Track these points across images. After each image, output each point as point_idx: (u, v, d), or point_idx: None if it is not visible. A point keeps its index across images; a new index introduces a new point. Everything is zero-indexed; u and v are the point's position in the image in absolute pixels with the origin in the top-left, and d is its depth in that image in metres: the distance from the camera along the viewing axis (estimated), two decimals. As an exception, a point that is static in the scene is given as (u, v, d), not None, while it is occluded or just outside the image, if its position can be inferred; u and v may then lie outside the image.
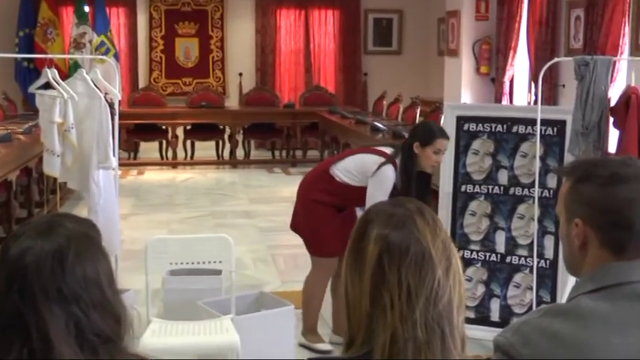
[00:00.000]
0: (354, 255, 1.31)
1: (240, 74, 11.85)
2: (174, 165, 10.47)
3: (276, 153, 10.92)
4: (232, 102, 11.67)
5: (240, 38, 11.91)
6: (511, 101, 8.93)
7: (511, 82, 9.00)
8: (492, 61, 9.32)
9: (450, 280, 1.27)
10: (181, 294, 4.23)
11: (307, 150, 10.96)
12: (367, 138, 7.81)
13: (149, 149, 10.78)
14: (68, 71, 9.44)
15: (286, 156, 10.83)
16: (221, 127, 10.68)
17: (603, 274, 1.47)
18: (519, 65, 8.88)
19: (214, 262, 3.81)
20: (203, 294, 4.10)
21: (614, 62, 6.08)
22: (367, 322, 1.27)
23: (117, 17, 11.52)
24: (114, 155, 4.33)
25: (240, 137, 10.70)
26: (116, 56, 10.23)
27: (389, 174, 3.85)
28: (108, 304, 1.27)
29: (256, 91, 11.35)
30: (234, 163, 10.66)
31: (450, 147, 4.45)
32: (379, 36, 12.32)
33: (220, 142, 10.65)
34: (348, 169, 3.99)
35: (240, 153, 10.71)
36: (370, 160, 3.93)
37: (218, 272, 4.26)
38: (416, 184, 3.88)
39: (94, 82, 4.41)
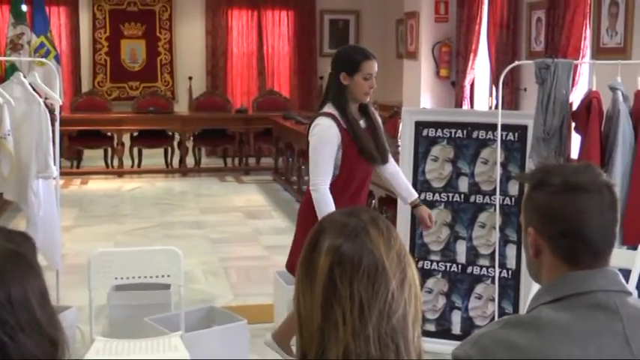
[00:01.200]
0: (305, 266, 1.31)
1: (190, 78, 11.78)
2: (120, 174, 10.36)
3: (228, 160, 10.89)
4: (182, 107, 11.60)
5: (189, 40, 11.85)
6: (472, 105, 9.04)
7: (472, 85, 9.11)
8: (452, 64, 9.42)
9: (404, 293, 1.27)
10: (127, 310, 4.18)
11: (261, 157, 10.95)
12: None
13: (93, 157, 10.66)
14: (4, 74, 9.29)
15: (239, 164, 10.80)
16: (170, 133, 10.61)
17: (562, 284, 1.50)
18: (480, 68, 9.00)
19: (162, 276, 3.78)
20: (150, 310, 4.06)
21: (576, 65, 6.21)
22: (319, 337, 1.26)
23: (57, 17, 11.37)
24: (54, 164, 4.27)
25: (190, 144, 10.64)
26: (57, 58, 10.09)
27: (321, 122, 3.58)
28: (38, 325, 1.23)
29: (207, 95, 11.30)
30: (183, 171, 10.59)
31: (408, 153, 4.49)
32: (335, 38, 12.37)
33: (169, 150, 10.58)
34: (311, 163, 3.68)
35: (190, 161, 10.65)
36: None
37: (166, 287, 4.23)
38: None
39: (32, 86, 4.35)
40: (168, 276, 3.77)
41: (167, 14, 11.77)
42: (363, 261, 1.26)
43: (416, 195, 3.96)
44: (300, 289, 1.31)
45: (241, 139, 10.71)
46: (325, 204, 3.50)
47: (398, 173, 3.95)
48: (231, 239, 7.10)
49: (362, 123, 3.69)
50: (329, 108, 3.64)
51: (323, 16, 12.28)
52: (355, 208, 1.37)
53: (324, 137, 3.56)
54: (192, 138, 10.64)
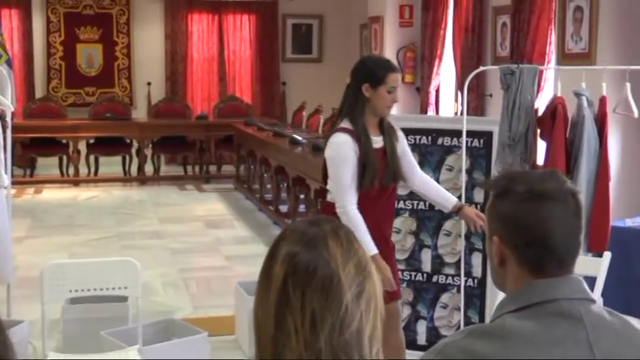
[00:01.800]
0: (264, 273, 1.31)
1: (149, 83, 11.71)
2: (75, 182, 10.25)
3: (188, 168, 10.84)
4: (140, 113, 11.52)
5: (148, 44, 11.78)
6: (437, 112, 9.10)
7: (437, 91, 9.18)
8: (417, 69, 9.49)
9: (360, 306, 1.26)
10: (83, 324, 4.13)
11: (222, 165, 10.91)
12: (286, 151, 7.83)
13: (48, 165, 10.53)
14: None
15: (199, 172, 10.75)
16: (128, 140, 10.53)
17: (527, 293, 1.51)
18: (445, 74, 9.07)
19: (119, 288, 3.74)
20: (107, 323, 4.02)
21: (541, 71, 6.28)
22: (273, 347, 1.26)
23: (9, 20, 11.23)
24: (6, 172, 4.21)
25: (148, 152, 10.57)
26: (9, 63, 9.94)
27: (336, 139, 3.39)
28: None
29: (166, 101, 11.24)
30: (142, 179, 10.52)
31: (372, 160, 4.50)
32: (298, 43, 12.39)
33: (127, 157, 10.50)
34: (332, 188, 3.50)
35: (148, 169, 10.58)
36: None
37: (124, 299, 4.19)
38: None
39: (-18, 92, 4.28)
40: (126, 288, 3.74)
41: (125, 18, 11.68)
42: (318, 272, 1.26)
43: (454, 199, 3.68)
44: (257, 298, 1.31)
45: (202, 146, 10.67)
46: (356, 226, 3.27)
47: (427, 183, 3.71)
48: (192, 249, 7.06)
49: (379, 140, 3.48)
50: (345, 123, 3.44)
51: (285, 20, 12.29)
52: (319, 218, 1.37)
53: (341, 154, 3.37)
54: (150, 145, 10.58)
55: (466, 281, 4.38)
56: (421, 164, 4.47)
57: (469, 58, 8.08)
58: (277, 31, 12.27)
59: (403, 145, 3.61)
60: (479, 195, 4.38)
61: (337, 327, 1.24)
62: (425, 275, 4.48)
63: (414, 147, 4.48)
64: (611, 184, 4.05)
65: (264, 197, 8.84)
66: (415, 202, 4.49)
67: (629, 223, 4.43)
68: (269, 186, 8.77)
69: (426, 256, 4.48)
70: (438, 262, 4.46)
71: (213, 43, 12.04)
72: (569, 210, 1.52)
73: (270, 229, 7.78)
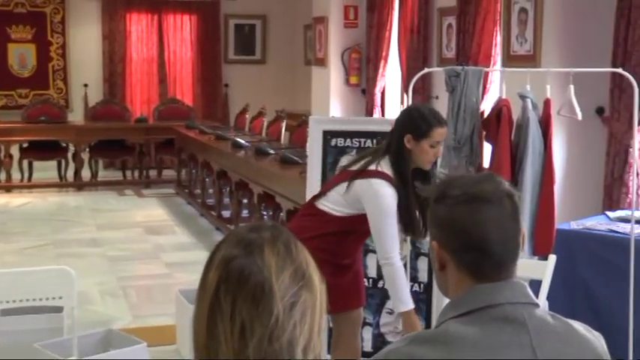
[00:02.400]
0: (202, 278, 1.31)
1: (86, 85, 11.56)
2: (8, 188, 10.05)
3: (128, 173, 10.71)
4: (76, 116, 11.36)
5: (84, 45, 11.62)
6: (383, 114, 9.16)
7: (382, 93, 9.23)
8: (362, 71, 9.54)
9: (294, 317, 1.26)
10: (15, 336, 4.05)
11: (162, 169, 10.82)
12: (228, 155, 7.80)
13: (-22, 171, 10.31)
14: None
15: (139, 176, 10.64)
16: (64, 144, 10.37)
17: (470, 298, 1.53)
18: (391, 75, 9.13)
19: (54, 298, 3.67)
20: (41, 335, 3.95)
21: (486, 73, 6.37)
22: (205, 354, 1.27)
23: (-62, 19, 10.97)
24: None
25: (85, 156, 10.42)
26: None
27: (386, 189, 3.36)
28: None
29: (104, 104, 11.10)
30: (79, 185, 10.36)
31: (316, 164, 4.51)
32: (241, 44, 12.36)
33: (63, 162, 10.33)
34: (335, 199, 3.51)
35: (85, 174, 10.42)
36: (357, 183, 3.45)
37: (59, 309, 4.12)
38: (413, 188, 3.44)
39: None
40: (61, 298, 3.67)
41: (59, 17, 11.50)
42: (250, 280, 1.25)
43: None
44: (195, 304, 1.31)
45: (141, 150, 10.56)
46: (400, 279, 3.38)
47: None
48: (131, 257, 6.99)
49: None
50: (387, 167, 3.41)
51: (228, 20, 12.25)
52: (261, 224, 1.37)
53: (391, 209, 3.36)
54: (88, 149, 10.42)
55: (412, 286, 4.40)
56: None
57: (415, 60, 8.15)
58: (219, 32, 12.22)
59: None
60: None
61: (266, 337, 1.24)
62: (371, 281, 4.50)
63: (359, 150, 4.50)
64: (556, 187, 4.12)
65: (206, 202, 8.79)
66: (360, 207, 4.51)
67: (574, 225, 4.51)
68: (211, 191, 8.73)
69: (372, 261, 4.49)
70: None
71: (152, 43, 11.93)
72: (506, 212, 1.55)
73: (212, 235, 7.74)
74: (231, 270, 1.27)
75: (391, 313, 4.48)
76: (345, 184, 3.46)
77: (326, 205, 3.52)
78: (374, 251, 4.43)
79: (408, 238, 4.32)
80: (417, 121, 3.40)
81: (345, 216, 3.48)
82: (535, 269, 3.67)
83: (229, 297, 1.25)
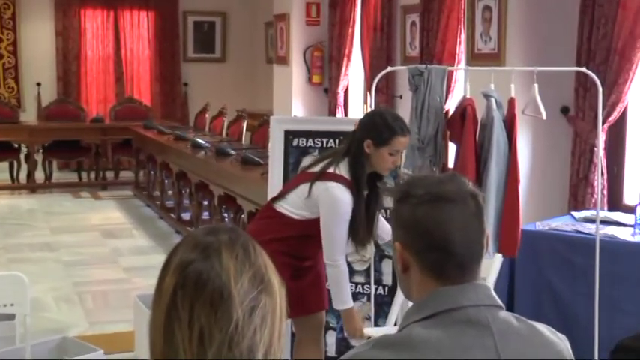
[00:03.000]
0: (158, 283, 1.30)
1: (39, 84, 11.44)
2: (-42, 191, 9.91)
3: (83, 175, 10.63)
4: (29, 116, 11.22)
5: (37, 42, 11.49)
6: (346, 114, 9.18)
7: (346, 92, 9.26)
8: (325, 69, 9.55)
9: (254, 322, 1.26)
10: (-35, 345, 3.99)
11: (119, 171, 10.75)
12: (188, 156, 7.76)
13: None
14: None
15: (95, 178, 10.56)
16: (16, 145, 10.24)
17: (433, 301, 1.54)
18: (354, 74, 9.16)
19: (5, 305, 3.63)
20: (-8, 344, 3.89)
21: (451, 72, 6.42)
22: None
23: None
24: None
25: (39, 157, 10.31)
26: None
27: (343, 194, 3.40)
28: None
29: (58, 103, 10.98)
30: (32, 187, 10.24)
31: (278, 165, 4.51)
32: (200, 41, 12.31)
33: (15, 164, 10.19)
34: (293, 202, 3.54)
35: (39, 175, 10.31)
36: (315, 187, 3.47)
37: (11, 317, 4.07)
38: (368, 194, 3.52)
39: None
40: (12, 305, 3.63)
41: (10, 13, 11.35)
42: (208, 285, 1.25)
43: None
44: (151, 309, 1.30)
45: (97, 151, 10.48)
46: (343, 281, 3.51)
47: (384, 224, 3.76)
48: (87, 261, 6.93)
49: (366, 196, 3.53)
50: (345, 170, 3.44)
51: (186, 17, 12.19)
52: (218, 226, 1.36)
53: (345, 215, 3.41)
54: (41, 150, 10.31)
55: (376, 289, 4.42)
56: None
57: (378, 58, 8.18)
58: (178, 29, 12.16)
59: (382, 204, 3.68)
60: (388, 200, 4.43)
61: (226, 343, 1.23)
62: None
63: (321, 150, 4.51)
64: (521, 187, 4.16)
65: (165, 204, 8.74)
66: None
67: (540, 226, 4.56)
68: (170, 192, 8.68)
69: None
70: (348, 270, 4.48)
71: (108, 41, 11.83)
72: (469, 212, 1.56)
73: (171, 238, 7.70)
74: (188, 275, 1.26)
75: None
76: (305, 189, 3.48)
77: (285, 207, 3.55)
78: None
79: (372, 241, 4.34)
80: (379, 127, 3.43)
81: (304, 220, 3.51)
82: (483, 268, 3.69)
83: (187, 303, 1.25)
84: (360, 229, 3.49)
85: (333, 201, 3.40)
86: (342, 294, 3.52)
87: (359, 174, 3.44)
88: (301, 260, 3.60)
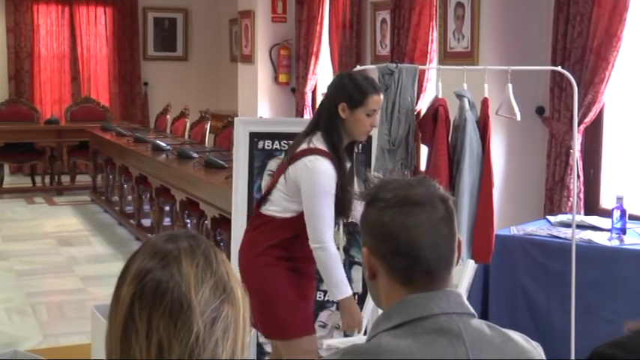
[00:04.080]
0: (115, 292, 1.30)
1: (-11, 83, 11.32)
2: None
3: (37, 179, 10.53)
4: (-21, 117, 11.10)
5: (-13, 39, 11.37)
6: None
7: (314, 92, 9.26)
8: (292, 68, 9.56)
9: (216, 334, 1.25)
10: None
11: (76, 175, 10.66)
12: (148, 159, 7.72)
13: None
14: None
15: (50, 182, 10.47)
16: (-35, 148, 10.13)
17: (402, 309, 1.55)
18: (322, 73, 9.16)
19: (-46, 317, 3.58)
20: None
21: (422, 71, 6.45)
22: None
23: None
24: None
25: (-10, 161, 10.20)
26: None
27: (322, 165, 3.30)
28: None
29: (10, 104, 10.87)
30: (-17, 192, 10.14)
31: (242, 168, 4.51)
32: (161, 39, 12.26)
33: (-36, 168, 10.09)
34: (278, 200, 3.45)
35: (-10, 180, 10.20)
36: (292, 169, 3.39)
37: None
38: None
39: None
40: (-38, 317, 3.58)
41: (-41, 8, 11.23)
42: (167, 295, 1.25)
43: None
44: (108, 319, 1.29)
45: (52, 154, 10.38)
46: (336, 266, 3.31)
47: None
48: (41, 271, 6.86)
49: (347, 168, 3.45)
50: (320, 142, 3.36)
51: (147, 14, 12.14)
52: (179, 233, 1.36)
53: (327, 187, 3.30)
54: (-8, 154, 10.21)
55: (346, 297, 4.42)
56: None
57: (347, 57, 8.20)
58: (137, 26, 12.09)
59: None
60: (358, 203, 4.44)
61: (186, 356, 1.23)
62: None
63: (287, 153, 4.51)
64: (495, 191, 4.19)
65: (124, 210, 8.69)
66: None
67: (514, 231, 4.60)
68: (130, 197, 8.63)
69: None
70: (316, 278, 4.48)
71: (64, 38, 11.74)
72: (438, 216, 1.57)
73: (131, 245, 7.65)
74: (146, 284, 1.26)
75: (324, 326, 4.50)
76: (282, 177, 3.42)
77: (271, 209, 3.46)
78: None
79: (341, 247, 4.35)
80: (351, 88, 3.37)
81: (296, 215, 3.40)
82: (456, 275, 3.72)
83: (144, 314, 1.24)
84: (345, 199, 3.39)
85: (313, 173, 3.31)
86: (335, 280, 3.33)
87: (336, 142, 3.37)
88: (303, 262, 3.47)
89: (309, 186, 3.32)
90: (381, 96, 3.46)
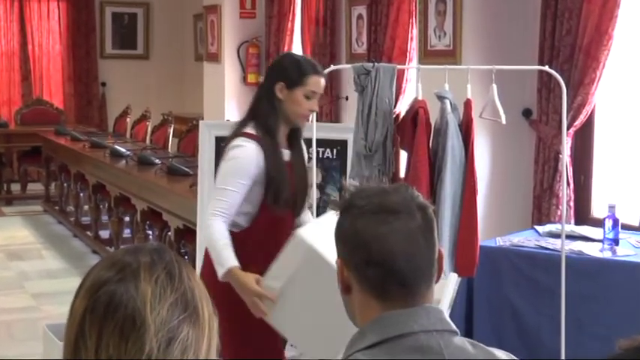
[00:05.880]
0: (71, 306, 1.29)
1: None
2: None
3: (-15, 188, 10.45)
4: None
5: None
6: (286, 117, 9.20)
7: (285, 93, 9.27)
8: (262, 67, 9.55)
9: (172, 355, 1.24)
10: None
11: (27, 183, 10.58)
12: (106, 166, 7.69)
13: None
14: None
15: (-2, 191, 10.40)
16: None
17: (379, 326, 1.55)
18: (294, 73, 9.17)
19: None
20: None
21: (401, 71, 6.48)
22: None
23: None
24: None
25: None
26: None
27: (241, 144, 3.30)
28: None
29: (-45, 105, 10.81)
30: None
31: (208, 174, 4.50)
32: (120, 36, 12.21)
33: None
34: (228, 208, 3.31)
35: None
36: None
37: None
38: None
39: None
40: None
41: None
42: (119, 310, 1.24)
43: None
44: (65, 333, 1.29)
45: (1, 160, 10.33)
46: (216, 240, 3.19)
47: (306, 212, 3.62)
48: (-11, 287, 6.81)
49: (286, 154, 3.42)
50: (250, 127, 3.36)
51: (104, 8, 12.09)
52: (143, 246, 1.35)
53: (241, 164, 3.27)
54: (-64, 160, 10.13)
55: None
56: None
57: (321, 55, 8.21)
58: (94, 22, 12.05)
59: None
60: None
61: None
62: None
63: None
64: (479, 199, 4.21)
65: (80, 221, 8.63)
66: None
67: (500, 242, 4.62)
68: (86, 207, 8.57)
69: None
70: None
71: (13, 34, 11.66)
72: (415, 225, 1.58)
73: (88, 259, 7.61)
74: (100, 297, 1.25)
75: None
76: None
77: (229, 224, 3.32)
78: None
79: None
80: (290, 67, 3.38)
81: (251, 222, 3.36)
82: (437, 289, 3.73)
83: (95, 329, 1.24)
84: (282, 192, 3.32)
85: (228, 153, 3.32)
86: (217, 257, 3.20)
87: (272, 125, 3.35)
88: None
89: (222, 164, 3.34)
90: (323, 79, 3.41)
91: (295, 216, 3.49)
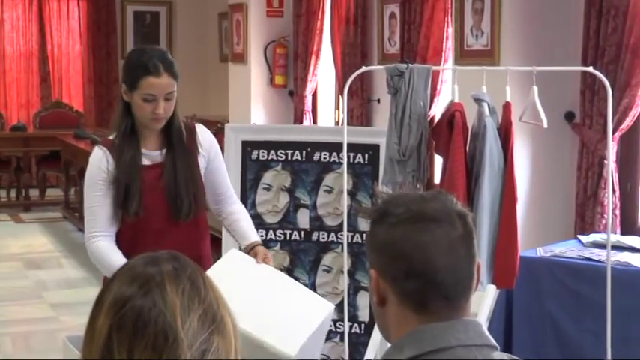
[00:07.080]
0: (89, 324, 1.29)
1: (-52, 85, 11.36)
2: None
3: (2, 193, 10.55)
4: (-63, 124, 11.14)
5: (-54, 36, 11.42)
6: (315, 120, 9.20)
7: (314, 96, 9.28)
8: (289, 69, 9.56)
9: None
10: None
11: (46, 188, 10.66)
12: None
13: None
14: None
15: (16, 197, 10.50)
16: None
17: (415, 340, 1.54)
18: (323, 75, 9.18)
19: None
20: None
21: (436, 72, 6.46)
22: None
23: None
24: None
25: (-52, 173, 10.23)
26: None
27: (92, 154, 3.34)
28: None
29: (-28, 108, 10.92)
30: (-60, 208, 10.16)
31: (234, 181, 4.51)
32: (142, 35, 12.28)
33: None
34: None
35: (-51, 195, 10.23)
36: None
37: None
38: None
39: None
40: None
41: None
42: (149, 326, 1.24)
43: (253, 238, 3.53)
44: (82, 353, 1.29)
45: (19, 165, 10.41)
46: (100, 261, 3.29)
47: (239, 215, 3.63)
48: (6, 297, 6.86)
49: (157, 155, 3.36)
50: (113, 132, 3.40)
51: (125, 7, 12.17)
52: (160, 254, 1.35)
53: (91, 177, 3.30)
54: (-49, 165, 10.24)
55: (351, 327, 4.43)
56: (294, 185, 4.52)
57: (352, 56, 8.21)
58: (115, 21, 12.12)
59: (210, 163, 3.52)
60: (364, 222, 4.45)
61: None
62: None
63: (285, 164, 4.52)
64: (519, 207, 4.19)
65: (99, 229, 8.68)
66: (288, 232, 4.55)
67: (541, 252, 4.60)
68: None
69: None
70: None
71: (32, 34, 11.76)
72: (456, 234, 1.57)
73: (107, 269, 7.64)
74: (126, 314, 1.25)
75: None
76: None
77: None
78: (305, 285, 4.45)
79: (345, 271, 4.35)
80: (125, 69, 3.35)
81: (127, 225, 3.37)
82: (475, 302, 3.72)
83: (124, 348, 1.23)
84: (132, 197, 3.27)
85: (87, 165, 3.35)
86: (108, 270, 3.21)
87: (125, 127, 3.30)
88: None
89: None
90: (161, 78, 3.25)
91: (181, 221, 3.39)
